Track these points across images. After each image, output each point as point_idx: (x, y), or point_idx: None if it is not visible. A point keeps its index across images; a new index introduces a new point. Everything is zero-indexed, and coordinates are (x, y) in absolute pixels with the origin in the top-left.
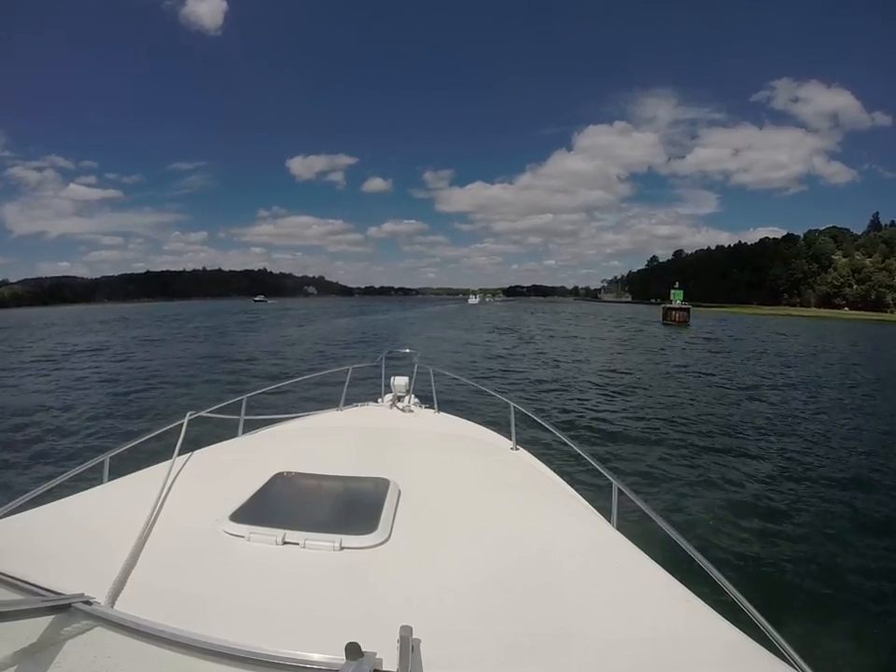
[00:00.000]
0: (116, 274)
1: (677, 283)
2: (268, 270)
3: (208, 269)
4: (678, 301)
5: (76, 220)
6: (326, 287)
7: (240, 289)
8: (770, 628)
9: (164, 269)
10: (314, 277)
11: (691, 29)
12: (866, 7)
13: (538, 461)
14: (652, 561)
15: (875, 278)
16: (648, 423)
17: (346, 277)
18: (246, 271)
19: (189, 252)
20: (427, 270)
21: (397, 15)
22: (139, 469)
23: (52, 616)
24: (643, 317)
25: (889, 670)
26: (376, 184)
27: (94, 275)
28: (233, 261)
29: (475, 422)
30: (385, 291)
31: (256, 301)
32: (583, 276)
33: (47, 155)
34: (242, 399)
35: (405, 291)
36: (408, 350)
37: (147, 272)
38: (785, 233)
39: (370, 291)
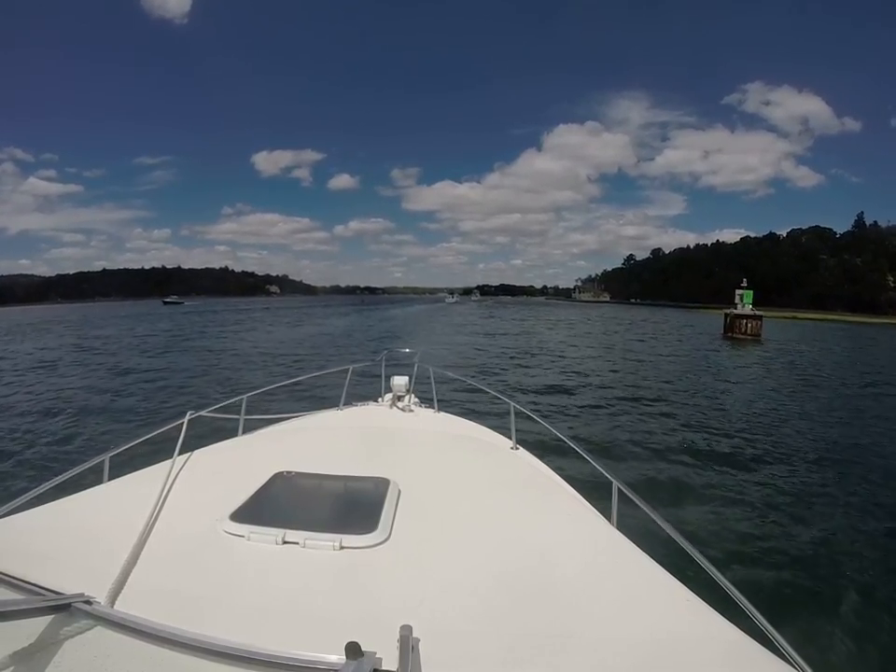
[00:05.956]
0: (74, 272)
1: (744, 280)
2: (230, 268)
3: (168, 267)
4: (747, 306)
5: (36, 216)
6: (290, 287)
7: (200, 289)
8: (770, 628)
9: (123, 267)
10: (277, 276)
11: (667, 32)
12: (838, 13)
13: (538, 461)
14: (653, 561)
15: (869, 279)
16: None
17: (312, 276)
18: (208, 269)
19: (153, 250)
20: (393, 269)
21: (366, 12)
22: (139, 468)
23: (52, 616)
24: (681, 325)
25: (889, 670)
26: (343, 181)
27: (55, 273)
28: (197, 259)
29: (475, 422)
30: (350, 290)
31: (166, 302)
32: (550, 276)
33: (5, 147)
34: (242, 399)
35: (371, 290)
36: (408, 350)
37: (104, 270)
38: (750, 234)
39: (335, 290)
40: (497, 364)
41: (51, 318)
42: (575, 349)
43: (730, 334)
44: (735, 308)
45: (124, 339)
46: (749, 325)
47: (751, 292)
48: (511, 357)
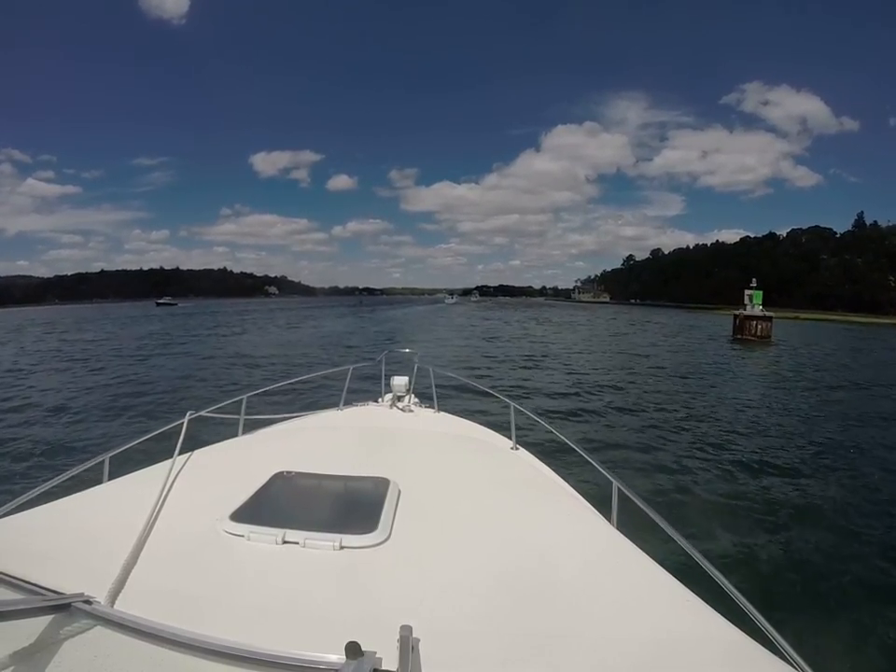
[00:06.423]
0: (72, 273)
1: (754, 280)
2: (229, 269)
3: (166, 268)
4: (758, 307)
5: (34, 217)
6: (288, 287)
7: (199, 290)
8: (770, 628)
9: (122, 268)
10: (275, 277)
11: (665, 32)
12: (838, 13)
13: (538, 461)
14: (652, 561)
15: (870, 279)
16: None
17: (310, 277)
18: (206, 270)
19: (152, 251)
20: (392, 270)
21: (365, 13)
22: (139, 468)
23: (52, 616)
24: (687, 327)
25: (889, 670)
26: (341, 181)
27: (54, 275)
28: (196, 261)
29: (475, 422)
30: (349, 291)
31: (159, 303)
32: (549, 276)
33: (3, 148)
34: (242, 399)
35: (370, 291)
36: (408, 350)
37: (102, 271)
38: (749, 235)
39: (334, 291)
40: (506, 375)
41: (42, 320)
42: (585, 356)
43: (739, 336)
44: (745, 309)
45: (104, 343)
46: (760, 326)
47: (761, 292)
48: (523, 367)
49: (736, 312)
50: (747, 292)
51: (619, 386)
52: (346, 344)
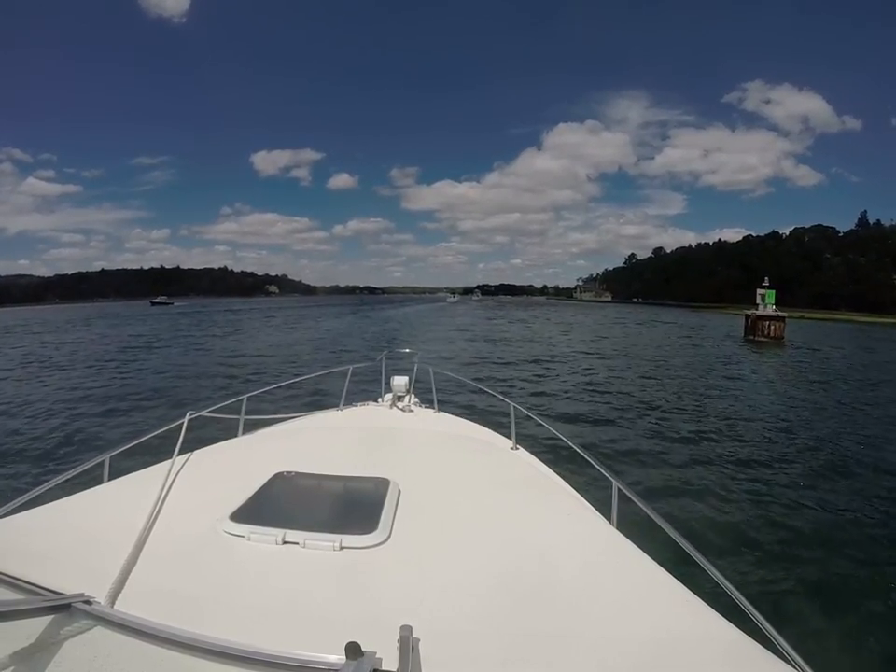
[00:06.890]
0: (72, 273)
1: (766, 279)
2: (229, 268)
3: (167, 267)
4: (770, 307)
5: (35, 217)
6: (289, 286)
7: (199, 289)
8: (770, 628)
9: (122, 267)
10: (276, 276)
11: (666, 32)
12: (838, 13)
13: (538, 461)
14: (652, 561)
15: (874, 278)
16: None
17: (311, 276)
18: (207, 269)
19: (152, 250)
20: (392, 269)
21: (365, 13)
22: (139, 469)
23: (52, 616)
24: (696, 327)
25: (889, 670)
26: (342, 180)
27: (54, 274)
28: (197, 259)
29: (475, 422)
30: (350, 290)
31: (154, 303)
32: (550, 275)
33: (4, 147)
34: (242, 399)
35: (371, 290)
36: (408, 350)
37: (103, 270)
38: (751, 234)
39: (335, 290)
40: (522, 387)
41: (37, 321)
42: (599, 360)
43: (752, 336)
44: (757, 308)
45: (82, 350)
46: (773, 327)
47: (773, 292)
48: (539, 375)
49: (748, 311)
50: (759, 291)
51: (643, 399)
52: (344, 348)
